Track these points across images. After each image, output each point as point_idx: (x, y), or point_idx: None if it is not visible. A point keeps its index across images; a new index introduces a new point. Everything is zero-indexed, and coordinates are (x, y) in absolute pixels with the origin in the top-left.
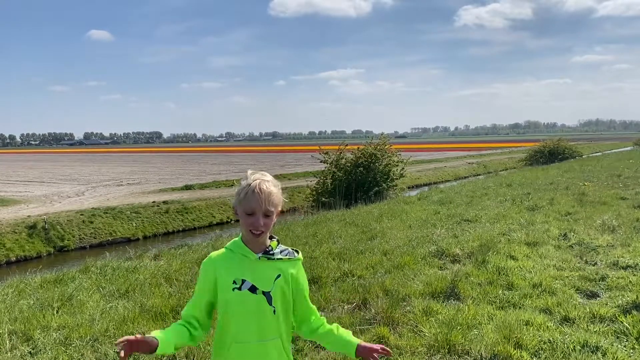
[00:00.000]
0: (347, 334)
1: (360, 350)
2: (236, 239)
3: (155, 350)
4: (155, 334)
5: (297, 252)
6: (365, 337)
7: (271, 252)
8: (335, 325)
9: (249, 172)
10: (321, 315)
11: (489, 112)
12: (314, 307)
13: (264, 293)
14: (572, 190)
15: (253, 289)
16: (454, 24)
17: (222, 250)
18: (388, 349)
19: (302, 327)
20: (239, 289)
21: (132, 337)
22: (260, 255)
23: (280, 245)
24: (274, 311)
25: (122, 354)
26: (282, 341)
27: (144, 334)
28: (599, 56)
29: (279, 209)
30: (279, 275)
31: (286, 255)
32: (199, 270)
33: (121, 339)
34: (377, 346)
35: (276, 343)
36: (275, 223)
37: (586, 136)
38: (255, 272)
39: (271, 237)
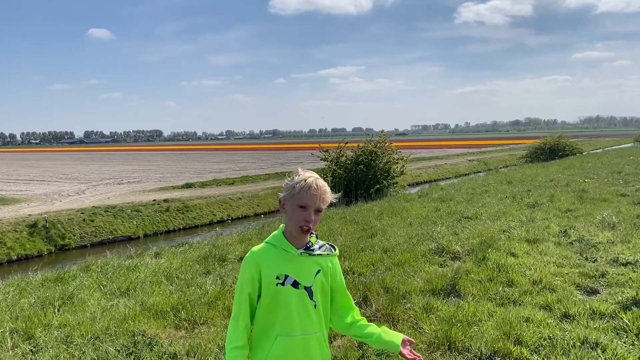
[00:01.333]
0: (388, 332)
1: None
2: (276, 233)
3: None
4: None
5: (334, 247)
6: None
7: (311, 248)
8: (371, 325)
9: (300, 169)
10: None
11: (489, 109)
12: (353, 302)
13: (305, 288)
14: (573, 187)
15: (295, 284)
16: (454, 21)
17: (263, 244)
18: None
19: (341, 320)
20: (282, 284)
21: None
22: (301, 251)
23: (318, 240)
24: (315, 305)
25: None
26: (322, 334)
27: None
28: (600, 53)
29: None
30: (319, 271)
31: (325, 250)
32: (241, 266)
33: None
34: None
35: (318, 337)
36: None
37: (586, 133)
38: (297, 268)
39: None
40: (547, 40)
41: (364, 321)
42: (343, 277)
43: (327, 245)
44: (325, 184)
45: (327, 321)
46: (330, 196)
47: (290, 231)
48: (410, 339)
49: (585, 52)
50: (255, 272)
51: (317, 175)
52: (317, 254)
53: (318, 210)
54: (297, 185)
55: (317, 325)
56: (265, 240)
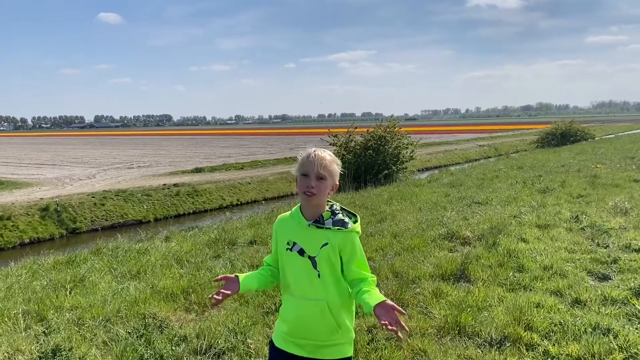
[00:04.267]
0: (370, 296)
1: (377, 311)
2: (298, 205)
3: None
4: (241, 278)
5: (355, 220)
6: (375, 318)
7: (321, 222)
8: (374, 290)
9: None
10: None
11: (501, 94)
12: (368, 273)
13: (310, 257)
14: (584, 173)
15: (301, 252)
16: (465, 4)
17: (287, 213)
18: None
19: (352, 291)
20: (290, 249)
21: (231, 276)
22: (310, 223)
23: (337, 215)
24: (319, 275)
25: (219, 296)
26: (327, 304)
27: (237, 275)
28: (614, 37)
29: (335, 180)
30: (326, 244)
31: (336, 226)
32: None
33: (221, 277)
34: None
35: (320, 304)
36: (333, 194)
37: (599, 118)
38: (305, 238)
39: (332, 206)
40: (560, 24)
41: (367, 288)
42: (361, 253)
43: (344, 220)
44: (325, 153)
45: (344, 292)
46: (331, 164)
47: (302, 203)
48: (398, 308)
49: (600, 36)
50: (275, 235)
51: (321, 149)
52: (327, 228)
53: (320, 178)
54: (301, 158)
55: (320, 293)
56: (291, 210)
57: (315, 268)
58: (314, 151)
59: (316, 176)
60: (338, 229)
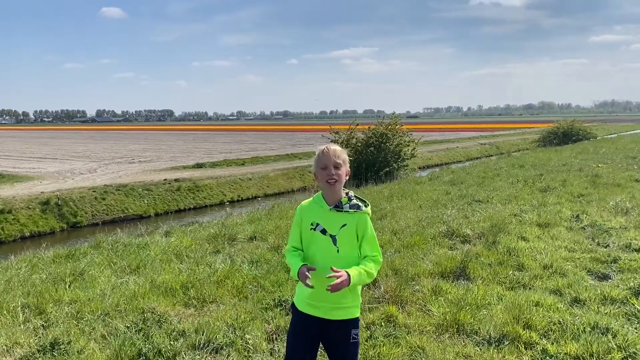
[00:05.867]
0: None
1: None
2: (318, 193)
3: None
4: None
5: (366, 205)
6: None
7: (340, 206)
8: (362, 267)
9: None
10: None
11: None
12: (374, 253)
13: (331, 236)
14: (586, 172)
15: (324, 232)
16: (468, 2)
17: (310, 199)
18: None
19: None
20: (314, 229)
21: (306, 272)
22: (331, 207)
23: (352, 200)
24: (338, 250)
25: (310, 283)
26: None
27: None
28: (617, 36)
29: (347, 167)
30: (344, 224)
31: (353, 209)
32: (294, 215)
33: (304, 270)
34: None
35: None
36: (348, 177)
37: (601, 117)
38: (327, 219)
39: (347, 193)
40: (563, 22)
41: (365, 263)
42: (372, 233)
43: (358, 204)
44: (336, 146)
45: (354, 265)
46: (342, 153)
47: (324, 190)
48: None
49: (603, 35)
50: (299, 218)
51: (330, 143)
52: (345, 211)
53: (336, 167)
54: (316, 156)
55: (340, 265)
56: (312, 197)
57: (335, 244)
58: (326, 146)
59: (334, 166)
60: (354, 211)
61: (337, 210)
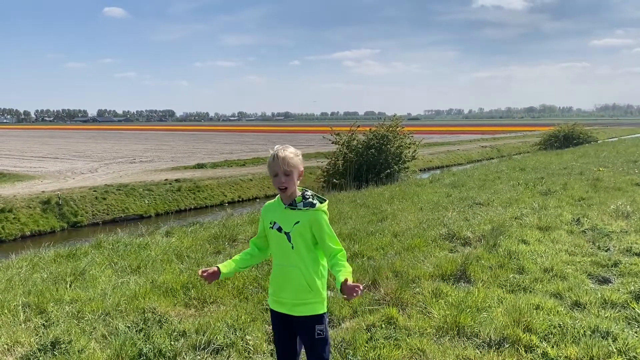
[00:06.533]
0: (341, 274)
1: (343, 289)
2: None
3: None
4: (221, 266)
5: (322, 201)
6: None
7: (294, 205)
8: (344, 268)
9: (276, 146)
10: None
11: (504, 95)
12: (338, 248)
13: (285, 233)
14: (587, 176)
15: (279, 229)
16: (471, 5)
17: (272, 200)
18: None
19: (328, 263)
20: (272, 227)
21: (211, 269)
22: (286, 206)
23: (308, 199)
24: (292, 247)
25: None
26: (301, 270)
27: (218, 267)
28: (619, 40)
29: (300, 169)
30: (297, 222)
31: (306, 207)
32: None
33: (204, 270)
34: (358, 285)
35: (295, 270)
36: (302, 179)
37: (602, 121)
38: (282, 217)
39: (304, 192)
40: (565, 26)
41: (341, 263)
42: (328, 229)
43: (312, 202)
44: (286, 152)
45: (315, 261)
46: (294, 160)
47: (279, 194)
48: (357, 287)
49: (604, 39)
50: (262, 217)
51: (283, 147)
52: (298, 209)
53: (286, 174)
54: (267, 161)
55: (295, 261)
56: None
57: (289, 241)
58: (276, 153)
59: (284, 173)
60: (307, 209)
61: (292, 209)
